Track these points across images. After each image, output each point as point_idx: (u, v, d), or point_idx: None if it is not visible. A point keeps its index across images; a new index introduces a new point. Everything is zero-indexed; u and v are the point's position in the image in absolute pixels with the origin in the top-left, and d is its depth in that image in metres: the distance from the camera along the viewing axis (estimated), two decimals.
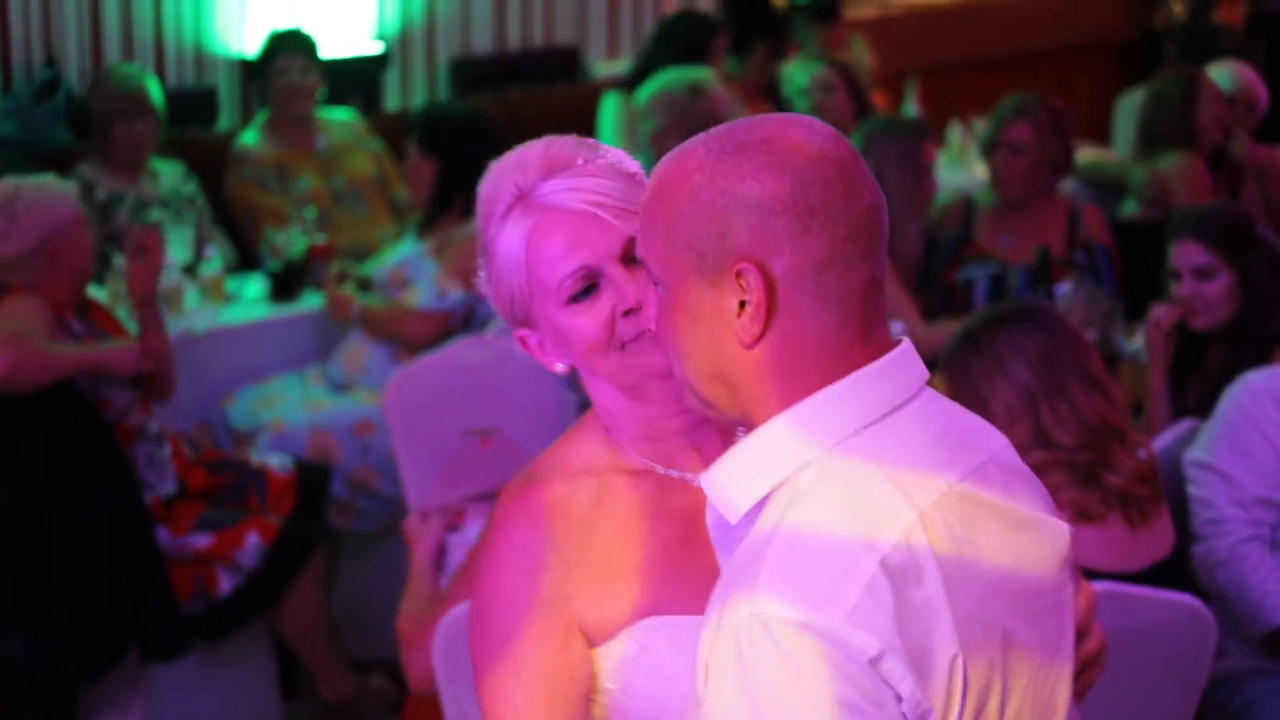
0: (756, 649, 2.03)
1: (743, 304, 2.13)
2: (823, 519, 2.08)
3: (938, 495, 2.15)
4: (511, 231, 2.44)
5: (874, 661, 2.04)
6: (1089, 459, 4.00)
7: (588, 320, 2.42)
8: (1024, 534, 2.26)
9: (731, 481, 2.20)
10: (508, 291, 2.47)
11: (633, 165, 2.50)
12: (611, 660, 2.41)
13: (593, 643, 2.42)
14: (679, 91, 6.96)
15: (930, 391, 2.25)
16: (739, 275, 2.12)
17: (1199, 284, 5.13)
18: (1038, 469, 3.94)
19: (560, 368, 2.50)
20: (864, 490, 2.12)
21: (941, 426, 2.23)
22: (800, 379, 2.16)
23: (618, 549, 2.43)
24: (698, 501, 2.44)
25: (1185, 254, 5.15)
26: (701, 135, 2.23)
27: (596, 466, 2.48)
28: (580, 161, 2.45)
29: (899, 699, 2.05)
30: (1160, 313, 5.26)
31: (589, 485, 2.46)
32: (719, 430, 2.49)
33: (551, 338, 2.48)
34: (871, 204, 2.17)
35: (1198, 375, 5.13)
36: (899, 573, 2.07)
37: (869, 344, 2.18)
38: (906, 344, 2.22)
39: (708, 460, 2.42)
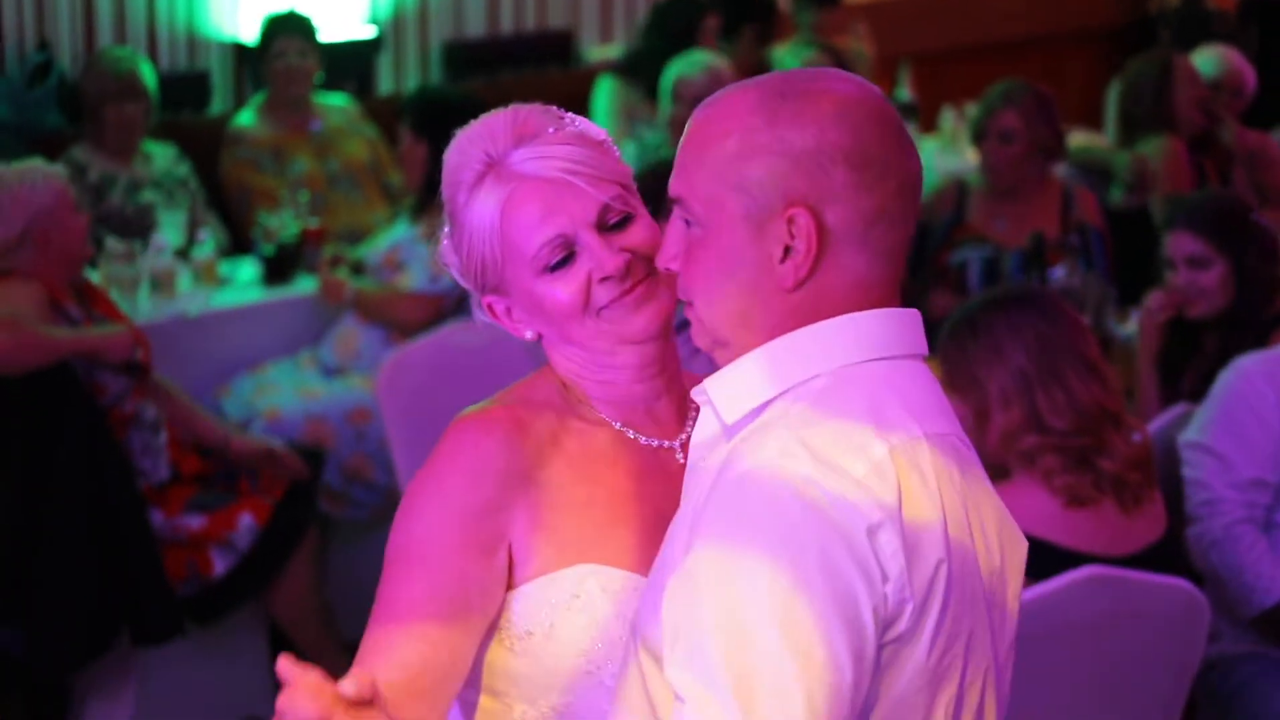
0: (756, 496, 2.06)
1: (787, 249, 2.16)
2: (838, 408, 2.12)
3: (937, 432, 2.20)
4: (484, 200, 2.45)
5: (871, 531, 2.06)
6: (1082, 444, 4.00)
7: (564, 288, 2.43)
8: (1005, 521, 2.31)
9: (739, 382, 2.22)
10: (479, 259, 2.47)
11: (599, 133, 2.51)
12: (538, 603, 2.41)
13: (514, 575, 2.42)
14: (698, 75, 7.20)
15: (923, 364, 2.28)
16: (791, 221, 2.15)
17: (1193, 273, 5.13)
18: (1031, 453, 3.99)
19: (530, 335, 2.52)
20: (877, 399, 2.16)
21: (935, 390, 2.27)
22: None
23: (567, 483, 2.44)
24: (650, 463, 2.49)
25: (1179, 244, 5.15)
26: (752, 81, 2.25)
27: (554, 409, 2.49)
28: (550, 130, 2.46)
29: (884, 578, 2.06)
30: (1156, 301, 5.26)
31: (549, 419, 2.47)
32: (676, 401, 2.54)
33: (524, 305, 2.49)
34: (918, 167, 2.22)
35: (1194, 362, 5.14)
36: (906, 464, 2.12)
37: (894, 300, 2.23)
38: (917, 313, 2.27)
39: (664, 428, 2.51)
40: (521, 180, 2.43)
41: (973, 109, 8.72)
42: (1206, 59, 8.00)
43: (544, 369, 2.57)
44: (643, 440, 2.51)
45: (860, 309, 2.19)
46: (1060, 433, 4.01)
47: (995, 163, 6.53)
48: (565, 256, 2.43)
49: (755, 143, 2.17)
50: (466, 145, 2.49)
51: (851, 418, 2.13)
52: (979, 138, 6.59)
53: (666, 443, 2.53)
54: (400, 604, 2.36)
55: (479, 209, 2.45)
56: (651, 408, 2.53)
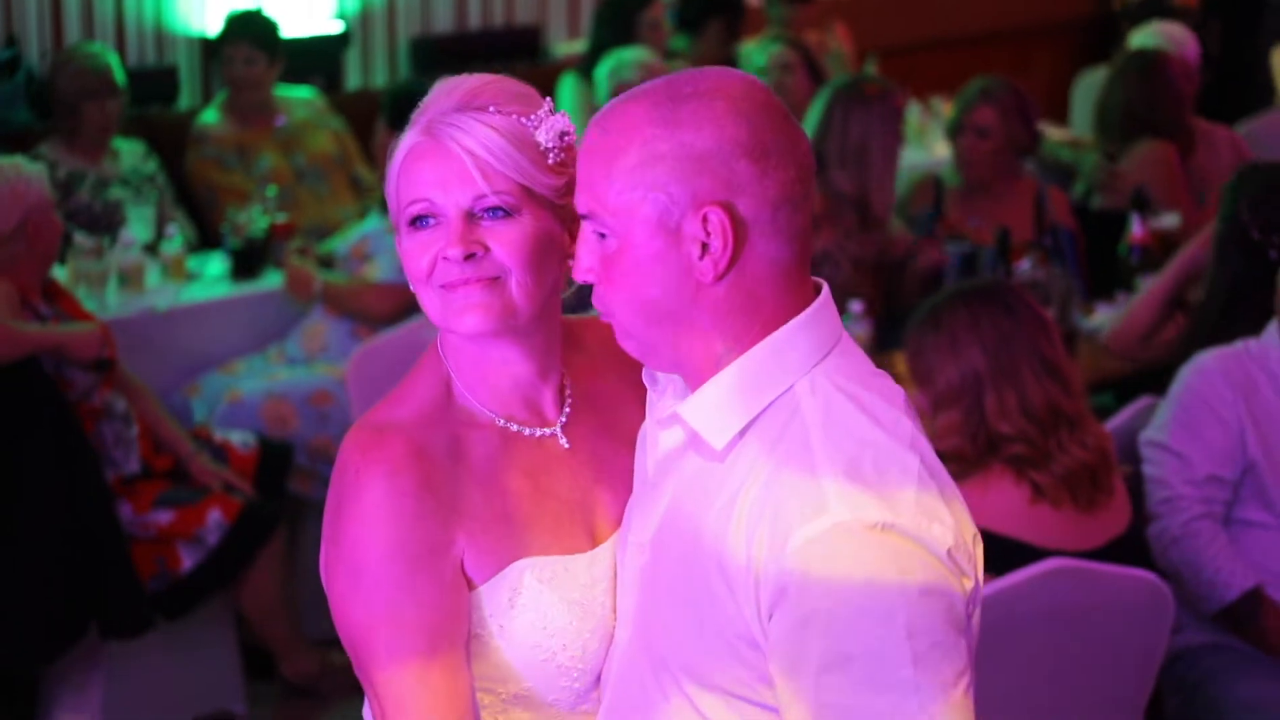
0: (844, 556, 2.15)
1: (704, 246, 2.24)
2: (849, 426, 2.24)
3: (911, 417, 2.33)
4: (403, 143, 2.51)
5: (951, 551, 2.20)
6: (1019, 451, 4.02)
7: (416, 247, 2.49)
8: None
9: (719, 407, 2.30)
10: (390, 194, 2.55)
11: (547, 140, 2.51)
12: (484, 608, 2.44)
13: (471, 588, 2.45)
14: (634, 75, 7.15)
15: (846, 333, 2.40)
16: (705, 219, 2.23)
17: None
18: (988, 448, 4.02)
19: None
20: (864, 400, 2.28)
21: (867, 363, 2.40)
22: (755, 313, 2.29)
23: (481, 498, 2.46)
24: (537, 455, 2.53)
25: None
26: (637, 91, 2.32)
27: (441, 419, 2.50)
28: (491, 109, 2.49)
29: (966, 575, 2.24)
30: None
31: (441, 436, 2.48)
32: (553, 388, 2.57)
33: (402, 256, 2.54)
34: (808, 148, 2.31)
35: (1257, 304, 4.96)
36: (930, 466, 2.26)
37: (807, 279, 2.33)
38: (824, 284, 2.37)
39: (543, 416, 2.55)
40: (428, 139, 2.48)
41: (939, 103, 8.76)
42: (1147, 35, 7.99)
43: (428, 359, 2.58)
44: (525, 432, 2.54)
45: (781, 290, 2.29)
46: (1004, 437, 4.03)
47: (970, 157, 6.57)
48: (425, 218, 2.48)
49: (658, 151, 2.25)
50: (438, 90, 2.54)
51: (867, 433, 2.25)
52: (955, 132, 6.62)
53: (548, 431, 2.56)
54: (410, 673, 2.37)
55: (398, 150, 2.52)
56: (528, 397, 2.56)
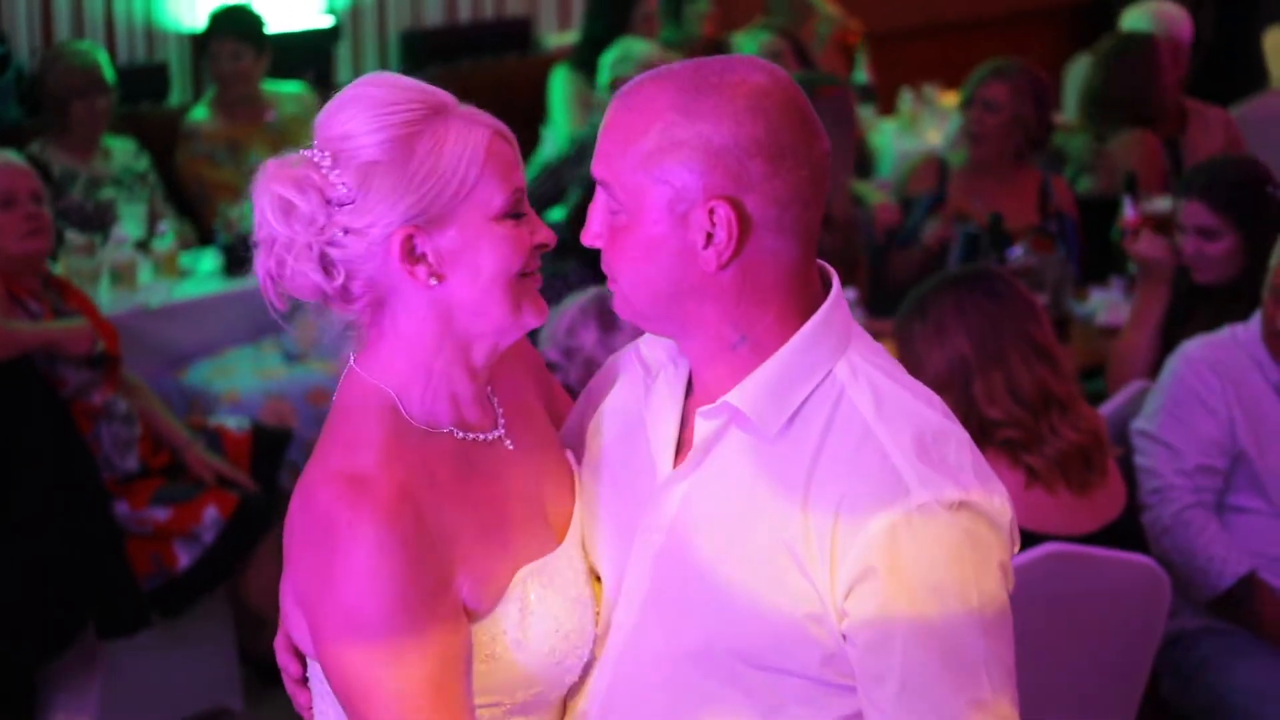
0: (928, 537, 2.25)
1: (709, 236, 2.28)
2: (900, 405, 2.35)
3: None
4: (463, 128, 2.41)
5: (1011, 524, 2.34)
6: (1010, 436, 4.01)
7: (516, 238, 2.41)
8: None
9: (770, 395, 2.35)
10: (442, 183, 2.38)
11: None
12: (501, 624, 2.41)
13: (476, 617, 2.40)
14: (633, 71, 7.11)
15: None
16: (712, 211, 2.27)
17: (1202, 243, 5.13)
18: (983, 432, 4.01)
19: (434, 283, 2.40)
20: (899, 377, 2.41)
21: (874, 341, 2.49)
22: (765, 304, 2.35)
23: (464, 517, 2.42)
24: (493, 458, 2.50)
25: (1192, 213, 5.14)
26: (667, 71, 2.34)
27: (405, 449, 2.41)
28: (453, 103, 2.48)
29: (1014, 551, 2.39)
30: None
31: (413, 468, 2.39)
32: (488, 394, 2.54)
33: (457, 247, 2.40)
34: (826, 149, 2.34)
35: (1188, 327, 5.05)
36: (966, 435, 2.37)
37: (814, 272, 2.40)
38: (832, 270, 2.44)
39: (483, 420, 2.50)
40: (497, 128, 2.43)
41: (931, 90, 8.76)
42: (1139, 16, 7.97)
43: (355, 389, 2.48)
44: (479, 438, 2.49)
45: (786, 285, 2.35)
46: (994, 423, 4.02)
47: (977, 130, 6.54)
48: (522, 211, 2.44)
49: (675, 138, 2.28)
50: (401, 92, 2.46)
51: (917, 409, 2.36)
52: (966, 105, 6.61)
53: (496, 434, 2.52)
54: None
55: (459, 134, 2.40)
56: (476, 401, 2.50)
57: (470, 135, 2.40)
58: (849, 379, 2.35)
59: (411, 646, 2.30)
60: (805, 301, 2.37)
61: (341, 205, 2.41)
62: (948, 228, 6.27)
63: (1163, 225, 5.59)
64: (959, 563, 2.25)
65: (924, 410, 2.36)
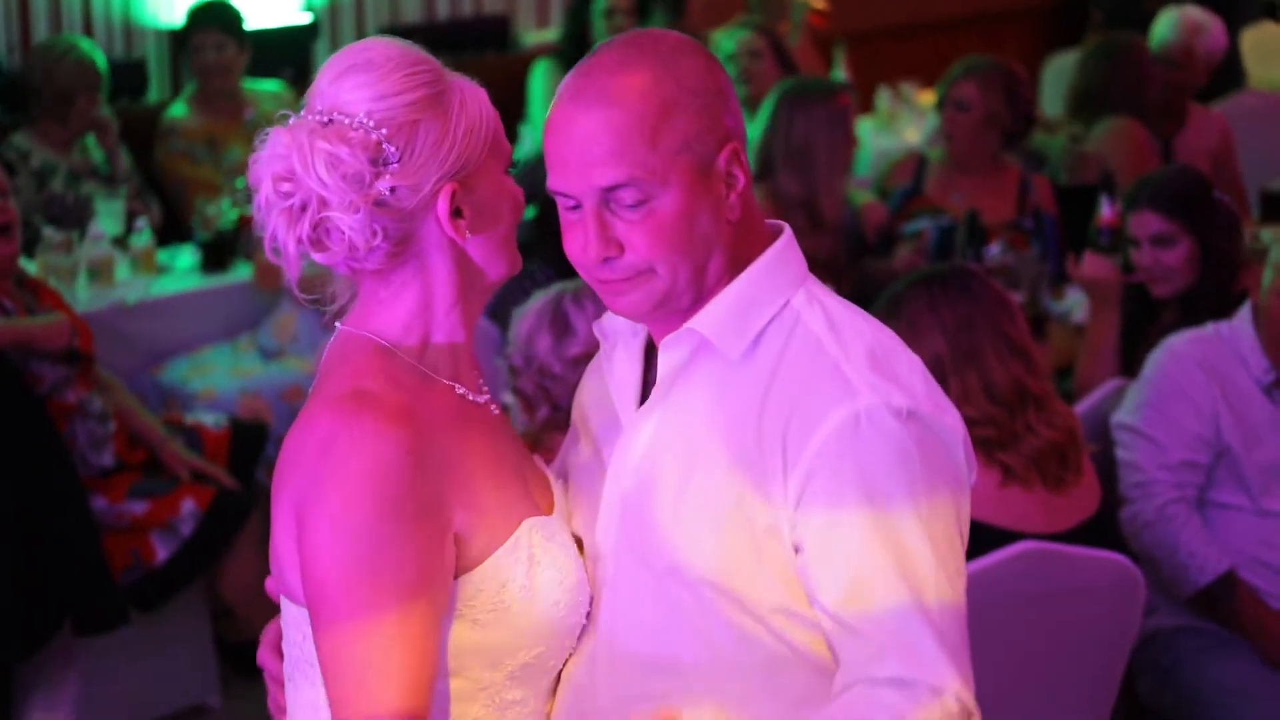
0: (874, 437, 2.31)
1: (728, 182, 2.40)
2: (855, 326, 2.46)
3: None
4: (468, 85, 2.49)
5: (963, 440, 2.41)
6: (985, 434, 4.01)
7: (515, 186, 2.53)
8: None
9: (732, 319, 2.43)
10: (473, 137, 2.43)
11: None
12: (505, 572, 2.42)
13: (472, 555, 2.41)
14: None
15: None
16: (734, 155, 2.40)
17: (1158, 252, 5.11)
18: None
19: (468, 236, 2.44)
20: (854, 309, 2.49)
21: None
22: (754, 234, 2.48)
23: (466, 457, 2.43)
24: (487, 419, 2.52)
25: (1143, 223, 5.13)
26: (613, 63, 2.39)
27: (400, 380, 2.44)
28: None
29: (971, 478, 2.46)
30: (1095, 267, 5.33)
31: (411, 392, 2.42)
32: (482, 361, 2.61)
33: (487, 198, 2.46)
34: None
35: (1150, 337, 5.07)
36: (920, 362, 2.47)
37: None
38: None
39: (472, 382, 2.52)
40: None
41: (909, 89, 8.76)
42: (1166, 22, 7.93)
43: (348, 345, 2.51)
44: (476, 398, 2.52)
45: (758, 216, 2.50)
46: (969, 421, 4.02)
47: (950, 130, 6.59)
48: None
49: (680, 104, 2.37)
50: (414, 51, 2.47)
51: (872, 333, 2.45)
52: (940, 105, 6.65)
53: (483, 398, 2.54)
54: (382, 629, 2.29)
55: (470, 89, 2.47)
56: (471, 362, 2.54)
57: (476, 89, 2.49)
58: (804, 306, 2.45)
59: (392, 554, 2.29)
60: (767, 234, 2.51)
61: (387, 164, 2.39)
62: (918, 256, 6.24)
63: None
64: (906, 468, 2.31)
65: (878, 332, 2.45)
